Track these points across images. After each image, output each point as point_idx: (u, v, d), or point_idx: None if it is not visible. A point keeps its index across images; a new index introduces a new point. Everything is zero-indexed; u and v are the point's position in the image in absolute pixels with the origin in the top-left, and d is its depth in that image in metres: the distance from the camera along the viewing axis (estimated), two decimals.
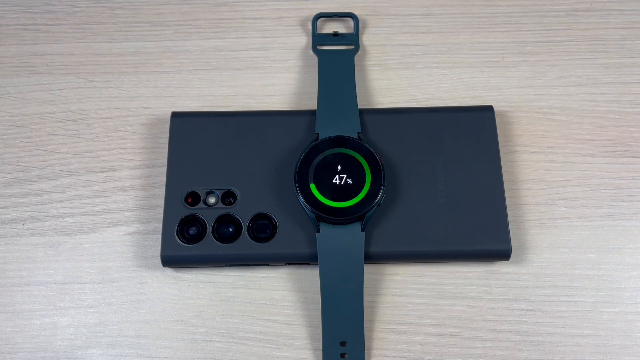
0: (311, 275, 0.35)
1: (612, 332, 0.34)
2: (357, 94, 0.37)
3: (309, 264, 0.35)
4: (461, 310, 0.34)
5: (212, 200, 0.35)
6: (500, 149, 0.36)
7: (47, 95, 0.40)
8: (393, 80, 0.40)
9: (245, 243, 0.34)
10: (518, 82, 0.40)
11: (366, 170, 0.34)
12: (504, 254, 0.34)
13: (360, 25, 0.41)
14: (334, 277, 0.33)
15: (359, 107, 0.37)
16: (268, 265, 0.35)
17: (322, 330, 0.33)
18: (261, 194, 0.35)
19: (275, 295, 0.35)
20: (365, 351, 0.33)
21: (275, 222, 0.35)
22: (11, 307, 0.35)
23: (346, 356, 0.32)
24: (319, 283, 0.33)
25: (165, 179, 0.36)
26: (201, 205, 0.35)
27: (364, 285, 0.33)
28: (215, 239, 0.34)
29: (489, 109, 0.37)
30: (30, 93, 0.40)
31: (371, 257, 0.34)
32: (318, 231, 0.33)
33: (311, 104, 0.39)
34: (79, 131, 0.39)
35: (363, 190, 0.33)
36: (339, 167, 0.34)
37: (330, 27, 0.41)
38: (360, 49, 0.41)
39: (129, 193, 0.37)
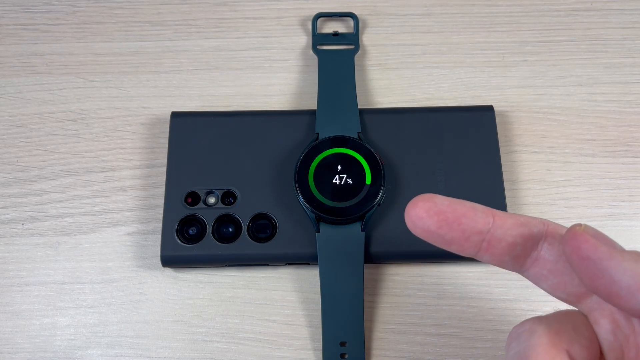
0: (311, 275, 0.35)
1: None
2: (357, 94, 0.37)
3: (309, 264, 0.35)
4: (461, 311, 0.34)
5: (212, 200, 0.35)
6: (501, 148, 0.36)
7: (47, 95, 0.40)
8: (393, 80, 0.40)
9: (245, 243, 0.34)
10: (518, 82, 0.40)
11: (366, 170, 0.34)
12: None
13: (360, 25, 0.41)
14: (334, 277, 0.33)
15: (359, 107, 0.37)
16: (268, 265, 0.35)
17: (322, 330, 0.33)
18: (261, 194, 0.35)
19: (275, 296, 0.35)
20: (365, 351, 0.33)
21: (275, 222, 0.35)
22: (11, 307, 0.35)
23: (346, 356, 0.32)
24: (319, 283, 0.33)
25: (165, 179, 0.36)
26: (201, 205, 0.35)
27: (364, 285, 0.33)
28: (215, 239, 0.34)
29: (489, 109, 0.37)
30: (29, 93, 0.40)
31: (371, 257, 0.34)
32: (318, 231, 0.33)
33: (311, 104, 0.39)
34: (79, 131, 0.39)
35: (363, 190, 0.33)
36: (339, 167, 0.34)
37: (330, 27, 0.41)
38: (360, 48, 0.41)
39: (128, 193, 0.37)
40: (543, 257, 0.21)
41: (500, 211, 0.21)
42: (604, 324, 0.20)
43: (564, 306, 0.22)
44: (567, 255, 0.19)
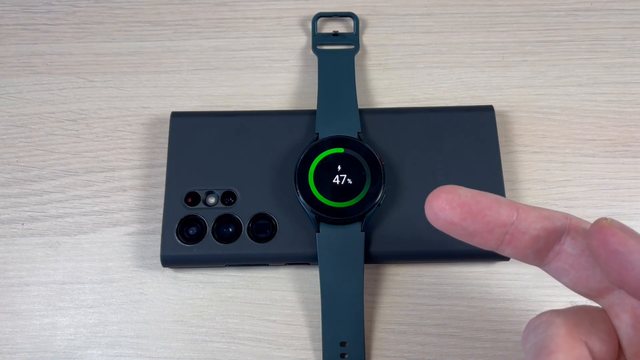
0: (311, 275, 0.35)
1: None
2: (357, 94, 0.37)
3: (309, 264, 0.35)
4: (461, 311, 0.34)
5: (212, 200, 0.35)
6: (501, 148, 0.36)
7: (47, 95, 0.40)
8: (393, 80, 0.40)
9: (245, 243, 0.34)
10: (518, 82, 0.40)
11: (366, 170, 0.34)
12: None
13: (360, 25, 0.41)
14: (334, 277, 0.33)
15: (359, 107, 0.37)
16: (268, 265, 0.35)
17: (322, 330, 0.33)
18: (261, 194, 0.35)
19: (275, 296, 0.35)
20: (365, 351, 0.33)
21: (275, 222, 0.35)
22: (11, 308, 0.35)
23: (346, 356, 0.32)
24: (319, 283, 0.33)
25: (165, 179, 0.36)
26: (201, 205, 0.35)
27: (364, 285, 0.33)
28: (215, 239, 0.34)
29: (489, 109, 0.37)
30: (29, 93, 0.40)
31: (371, 257, 0.34)
32: (318, 231, 0.33)
33: (311, 104, 0.39)
34: (79, 131, 0.39)
35: (363, 190, 0.33)
36: (339, 167, 0.34)
37: (330, 27, 0.41)
38: (360, 48, 0.41)
39: (128, 193, 0.37)
40: (565, 251, 0.21)
41: (524, 204, 0.21)
42: (625, 318, 0.20)
43: (581, 302, 0.22)
44: (594, 249, 0.19)
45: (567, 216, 0.21)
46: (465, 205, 0.20)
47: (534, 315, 0.21)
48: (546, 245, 0.21)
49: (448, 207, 0.20)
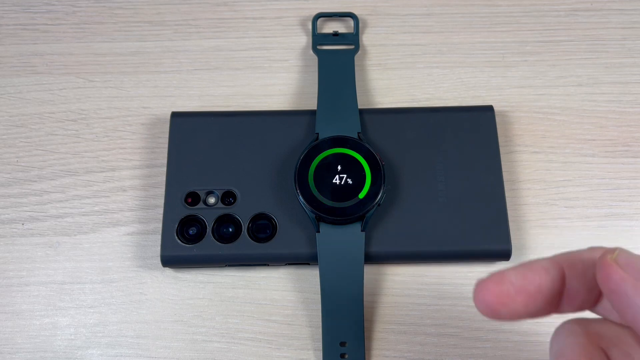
0: (311, 275, 0.35)
1: None
2: (357, 94, 0.37)
3: (309, 264, 0.35)
4: (461, 311, 0.34)
5: (212, 200, 0.35)
6: (501, 149, 0.36)
7: (47, 95, 0.40)
8: (393, 80, 0.40)
9: (245, 243, 0.34)
10: (518, 82, 0.40)
11: (366, 170, 0.34)
12: (504, 254, 0.34)
13: (360, 25, 0.41)
14: (334, 277, 0.33)
15: (359, 107, 0.37)
16: (268, 265, 0.35)
17: (322, 330, 0.33)
18: (261, 194, 0.35)
19: (275, 296, 0.35)
20: (365, 351, 0.33)
21: (275, 222, 0.34)
22: (11, 308, 0.35)
23: (346, 356, 0.32)
24: (319, 283, 0.33)
25: (165, 179, 0.36)
26: (201, 205, 0.35)
27: (364, 285, 0.33)
28: (215, 239, 0.34)
29: (489, 109, 0.37)
30: (29, 93, 0.40)
31: (371, 257, 0.34)
32: (318, 231, 0.33)
33: (311, 104, 0.39)
34: (79, 131, 0.39)
35: (363, 190, 0.33)
36: (339, 167, 0.34)
37: (330, 27, 0.41)
38: (360, 48, 0.41)
39: (128, 193, 0.37)
40: None
41: (562, 256, 0.20)
42: None
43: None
44: (599, 283, 0.19)
45: (593, 249, 0.20)
46: (523, 291, 0.19)
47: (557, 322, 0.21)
48: (597, 290, 0.20)
49: (509, 300, 0.19)
